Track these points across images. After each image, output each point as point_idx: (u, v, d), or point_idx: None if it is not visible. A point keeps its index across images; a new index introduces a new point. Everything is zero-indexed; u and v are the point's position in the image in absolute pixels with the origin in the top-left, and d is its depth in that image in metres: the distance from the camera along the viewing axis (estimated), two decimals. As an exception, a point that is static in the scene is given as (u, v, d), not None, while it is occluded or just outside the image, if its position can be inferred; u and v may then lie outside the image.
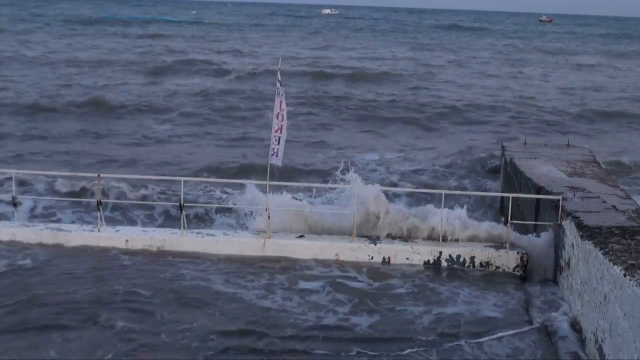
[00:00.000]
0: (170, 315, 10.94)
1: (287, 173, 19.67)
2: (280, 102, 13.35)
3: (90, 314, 10.78)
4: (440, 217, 13.75)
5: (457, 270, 13.22)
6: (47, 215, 16.39)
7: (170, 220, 16.19)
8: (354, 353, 9.96)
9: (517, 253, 13.28)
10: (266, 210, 13.94)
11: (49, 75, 43.76)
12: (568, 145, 19.39)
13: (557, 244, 12.30)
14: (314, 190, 17.12)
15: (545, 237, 12.95)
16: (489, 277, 12.95)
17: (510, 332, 10.61)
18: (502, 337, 10.44)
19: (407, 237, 14.05)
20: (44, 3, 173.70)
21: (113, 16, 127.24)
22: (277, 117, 13.41)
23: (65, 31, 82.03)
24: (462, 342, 10.29)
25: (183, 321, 10.72)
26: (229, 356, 9.80)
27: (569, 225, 11.59)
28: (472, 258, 13.35)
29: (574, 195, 12.94)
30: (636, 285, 8.32)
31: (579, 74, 57.14)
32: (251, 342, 10.16)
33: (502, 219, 15.52)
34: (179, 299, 11.54)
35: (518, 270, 13.16)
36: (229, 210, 16.59)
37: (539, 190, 13.63)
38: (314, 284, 12.42)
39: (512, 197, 13.51)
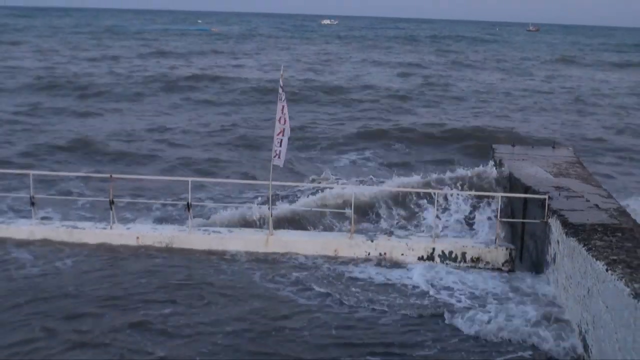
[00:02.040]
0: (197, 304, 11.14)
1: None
2: (283, 106, 13.33)
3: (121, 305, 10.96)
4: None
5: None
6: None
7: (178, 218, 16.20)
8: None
9: (506, 249, 13.27)
10: (269, 208, 13.98)
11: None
12: (554, 147, 19.35)
13: (544, 240, 12.28)
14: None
15: None
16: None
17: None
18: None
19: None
20: (63, 14, 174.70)
21: (126, 27, 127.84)
22: (280, 120, 13.39)
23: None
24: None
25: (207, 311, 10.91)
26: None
27: (554, 223, 11.57)
28: (464, 254, 13.33)
29: (559, 194, 12.92)
30: (617, 280, 8.32)
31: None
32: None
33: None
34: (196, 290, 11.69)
35: (506, 266, 13.15)
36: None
37: (527, 189, 13.62)
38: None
39: (501, 197, 13.52)
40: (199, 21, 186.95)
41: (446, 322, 10.57)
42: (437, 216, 14.38)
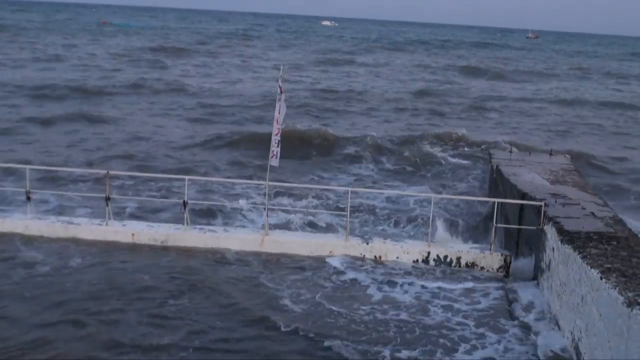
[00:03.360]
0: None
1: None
2: (280, 107, 13.33)
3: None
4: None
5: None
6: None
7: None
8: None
9: (501, 255, 13.29)
10: (265, 209, 13.98)
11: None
12: (550, 154, 19.40)
13: (539, 247, 12.30)
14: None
15: None
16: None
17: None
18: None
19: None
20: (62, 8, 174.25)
21: (126, 24, 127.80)
22: (277, 121, 13.39)
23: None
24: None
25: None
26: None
27: (550, 230, 11.59)
28: (459, 258, 13.35)
29: (556, 201, 12.94)
30: (611, 288, 8.34)
31: None
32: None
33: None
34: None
35: (501, 271, 13.17)
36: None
37: (523, 196, 13.63)
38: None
39: (497, 202, 13.55)
40: (200, 20, 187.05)
41: None
42: (433, 220, 14.38)
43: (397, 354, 9.70)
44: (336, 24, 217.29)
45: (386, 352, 9.72)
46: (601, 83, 61.76)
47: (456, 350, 9.92)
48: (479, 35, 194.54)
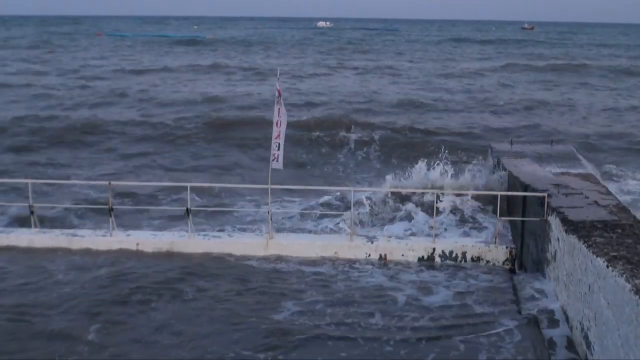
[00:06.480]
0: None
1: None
2: (279, 109, 13.35)
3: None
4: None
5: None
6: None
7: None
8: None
9: (506, 248, 13.31)
10: (268, 212, 13.99)
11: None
12: (552, 144, 19.39)
13: (544, 238, 12.30)
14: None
15: None
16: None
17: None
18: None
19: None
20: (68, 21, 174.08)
21: (121, 34, 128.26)
22: (277, 124, 13.40)
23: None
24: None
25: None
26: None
27: (554, 221, 11.59)
28: (464, 253, 13.37)
29: (559, 192, 12.94)
30: (618, 276, 8.33)
31: None
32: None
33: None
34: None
35: (507, 264, 13.18)
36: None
37: (526, 187, 13.63)
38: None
39: (500, 195, 13.56)
40: (195, 27, 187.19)
41: None
42: (436, 215, 14.40)
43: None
44: (331, 25, 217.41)
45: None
46: None
47: (460, 348, 9.96)
48: (474, 30, 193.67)
